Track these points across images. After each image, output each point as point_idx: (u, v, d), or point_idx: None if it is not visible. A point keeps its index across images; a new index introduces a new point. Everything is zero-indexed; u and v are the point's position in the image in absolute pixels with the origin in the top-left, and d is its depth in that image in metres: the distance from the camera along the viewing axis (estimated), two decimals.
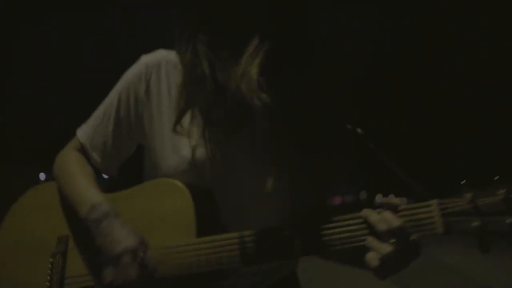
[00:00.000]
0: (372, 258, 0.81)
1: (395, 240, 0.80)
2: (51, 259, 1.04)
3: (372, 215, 0.83)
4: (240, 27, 0.87)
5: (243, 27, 0.87)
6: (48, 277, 1.03)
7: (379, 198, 0.85)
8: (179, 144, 0.98)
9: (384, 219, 0.81)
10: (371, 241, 0.82)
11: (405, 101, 27.04)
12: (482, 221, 0.79)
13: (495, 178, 0.79)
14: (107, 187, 1.07)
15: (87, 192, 1.00)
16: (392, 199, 0.85)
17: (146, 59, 1.06)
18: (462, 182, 0.82)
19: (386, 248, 0.80)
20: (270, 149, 0.94)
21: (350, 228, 0.84)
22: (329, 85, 0.97)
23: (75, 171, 1.06)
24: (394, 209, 0.83)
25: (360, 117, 1.05)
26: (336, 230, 0.84)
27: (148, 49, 1.08)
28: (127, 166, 1.16)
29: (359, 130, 1.00)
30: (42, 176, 7.96)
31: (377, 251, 0.80)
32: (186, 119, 0.97)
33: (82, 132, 1.11)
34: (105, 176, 1.13)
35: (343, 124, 1.00)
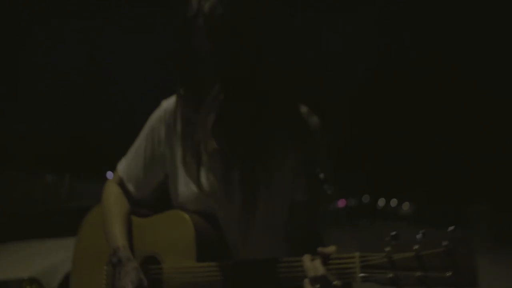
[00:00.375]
0: None
1: (318, 285, 0.93)
2: (105, 267, 1.22)
3: (306, 262, 0.96)
4: (202, 86, 1.01)
5: (205, 86, 1.01)
6: (104, 281, 1.20)
7: (319, 249, 0.95)
8: (188, 179, 1.16)
9: (313, 267, 0.94)
10: (306, 282, 0.95)
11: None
12: (395, 274, 0.85)
13: (418, 234, 0.85)
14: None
15: (113, 234, 1.20)
16: (326, 249, 0.95)
17: (165, 105, 1.22)
18: (387, 238, 0.88)
19: None
20: (260, 190, 1.12)
21: (294, 269, 0.98)
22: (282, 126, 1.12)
23: (110, 208, 1.26)
24: (324, 258, 0.94)
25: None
26: (284, 270, 0.99)
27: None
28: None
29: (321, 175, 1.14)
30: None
31: None
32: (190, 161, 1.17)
33: (121, 167, 1.31)
34: None
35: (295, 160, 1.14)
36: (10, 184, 8.07)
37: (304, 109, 1.16)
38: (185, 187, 1.17)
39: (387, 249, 0.87)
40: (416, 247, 0.84)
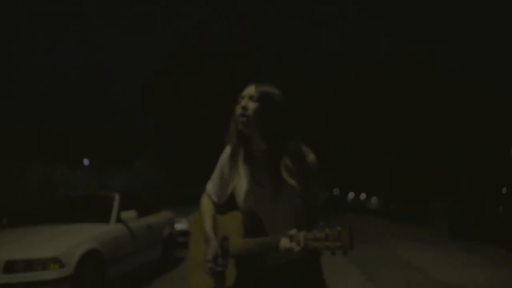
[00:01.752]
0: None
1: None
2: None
3: (282, 240, 1.69)
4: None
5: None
6: (203, 250, 2.00)
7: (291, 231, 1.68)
8: (243, 189, 1.94)
9: (284, 243, 1.67)
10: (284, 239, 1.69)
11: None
12: (317, 244, 1.58)
13: (321, 223, 1.60)
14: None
15: (206, 226, 2.00)
16: (291, 232, 1.68)
17: (227, 149, 2.00)
18: (321, 223, 1.61)
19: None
20: (274, 193, 1.85)
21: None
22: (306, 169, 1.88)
23: (204, 212, 2.08)
24: (290, 237, 1.66)
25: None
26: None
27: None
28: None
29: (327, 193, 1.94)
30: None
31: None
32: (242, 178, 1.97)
33: (208, 186, 2.13)
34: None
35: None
36: (12, 174, 8.49)
37: (306, 149, 1.91)
38: (241, 192, 1.96)
39: (314, 231, 1.60)
40: (326, 230, 1.57)
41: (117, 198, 6.06)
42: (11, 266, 4.17)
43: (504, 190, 11.06)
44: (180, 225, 9.78)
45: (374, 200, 28.89)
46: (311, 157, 1.86)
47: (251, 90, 1.87)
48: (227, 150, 2.00)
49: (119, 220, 5.74)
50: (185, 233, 10.19)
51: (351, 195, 37.64)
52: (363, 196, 32.86)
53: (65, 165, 10.29)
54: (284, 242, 1.66)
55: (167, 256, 7.35)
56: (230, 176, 2.00)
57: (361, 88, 28.44)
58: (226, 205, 2.10)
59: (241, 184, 1.95)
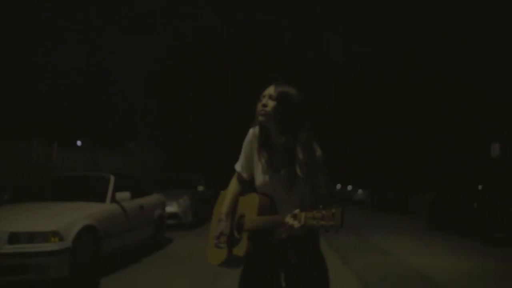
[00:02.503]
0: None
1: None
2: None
3: (287, 218, 1.98)
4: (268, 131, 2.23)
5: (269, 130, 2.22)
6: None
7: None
8: (260, 174, 2.27)
9: (288, 220, 1.97)
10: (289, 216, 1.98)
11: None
12: (315, 222, 1.87)
13: (320, 207, 1.88)
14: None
15: (224, 206, 2.34)
16: (295, 211, 1.97)
17: (251, 131, 2.32)
18: (320, 206, 1.91)
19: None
20: (289, 180, 2.18)
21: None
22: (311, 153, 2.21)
23: (228, 192, 2.40)
24: (294, 216, 1.95)
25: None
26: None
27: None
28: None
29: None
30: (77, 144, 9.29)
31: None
32: (259, 164, 2.30)
33: (237, 166, 2.42)
34: None
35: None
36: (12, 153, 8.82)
37: (315, 144, 2.24)
38: (259, 178, 2.31)
39: (313, 211, 1.93)
40: (323, 211, 1.88)
41: (112, 179, 6.47)
42: (15, 238, 4.57)
43: (479, 187, 11.57)
44: (171, 208, 10.22)
45: (360, 191, 29.52)
46: (319, 152, 2.19)
47: (271, 90, 2.20)
48: (250, 134, 2.33)
49: (114, 200, 6.15)
50: (174, 216, 10.64)
51: (338, 186, 38.25)
52: (349, 187, 33.45)
53: (59, 146, 10.60)
54: (288, 220, 1.92)
55: (157, 236, 7.79)
56: (252, 157, 2.33)
57: (351, 85, 28.99)
58: (247, 187, 2.44)
59: (259, 169, 2.28)
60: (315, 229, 1.88)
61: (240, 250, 2.18)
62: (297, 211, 1.94)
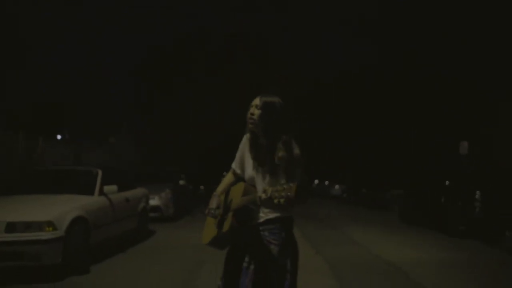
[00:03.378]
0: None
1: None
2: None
3: (259, 193, 2.50)
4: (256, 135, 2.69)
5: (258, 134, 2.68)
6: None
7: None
8: (250, 169, 2.69)
9: (259, 195, 2.44)
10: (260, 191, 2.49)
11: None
12: (278, 193, 2.30)
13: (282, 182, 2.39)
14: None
15: (219, 187, 2.81)
16: (265, 187, 2.46)
17: (245, 137, 2.76)
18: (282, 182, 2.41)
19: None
20: (270, 172, 2.60)
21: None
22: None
23: (223, 181, 2.85)
24: (264, 191, 2.45)
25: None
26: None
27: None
28: None
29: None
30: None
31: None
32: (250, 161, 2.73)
33: (233, 164, 2.84)
34: None
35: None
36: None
37: (294, 143, 2.64)
38: (247, 171, 2.73)
39: (277, 187, 2.34)
40: (284, 186, 2.29)
41: (100, 173, 6.81)
42: (11, 227, 4.90)
43: (447, 182, 12.26)
44: (153, 202, 10.57)
45: (336, 187, 30.29)
46: (297, 150, 2.62)
47: (257, 100, 2.64)
48: (244, 139, 2.79)
49: (102, 193, 6.50)
50: (156, 209, 11.00)
51: (316, 181, 39.13)
52: (326, 183, 34.23)
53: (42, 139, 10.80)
54: (260, 194, 2.41)
55: (141, 228, 8.16)
56: (245, 156, 2.76)
57: (337, 85, 29.70)
58: (240, 180, 2.87)
59: (249, 165, 2.72)
60: (277, 198, 2.30)
61: (225, 226, 2.59)
62: (266, 187, 2.40)
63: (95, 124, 23.88)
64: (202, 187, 21.70)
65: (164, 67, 25.53)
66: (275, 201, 2.30)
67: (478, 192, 10.35)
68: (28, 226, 4.97)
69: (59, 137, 25.11)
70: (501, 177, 11.13)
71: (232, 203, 2.63)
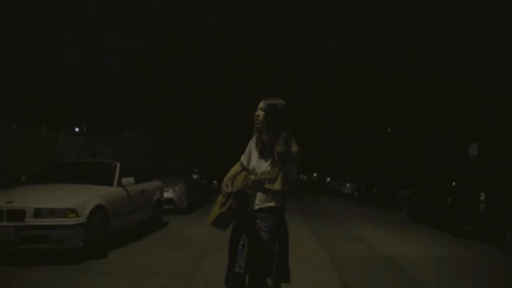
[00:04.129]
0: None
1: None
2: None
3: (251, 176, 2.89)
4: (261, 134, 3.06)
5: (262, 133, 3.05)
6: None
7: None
8: (254, 161, 3.03)
9: (250, 177, 2.81)
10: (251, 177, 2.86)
11: None
12: (264, 176, 2.71)
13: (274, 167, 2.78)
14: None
15: (228, 174, 3.14)
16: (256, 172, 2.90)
17: (254, 137, 3.10)
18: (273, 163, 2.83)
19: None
20: (270, 165, 2.96)
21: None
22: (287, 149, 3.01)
23: (231, 170, 3.17)
24: (254, 174, 2.83)
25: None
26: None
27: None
28: None
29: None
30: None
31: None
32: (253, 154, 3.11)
33: (242, 157, 3.15)
34: None
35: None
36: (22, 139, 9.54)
37: (293, 140, 3.02)
38: (252, 163, 3.06)
39: (265, 171, 2.77)
40: (270, 170, 2.72)
41: (118, 166, 7.25)
42: (39, 213, 5.35)
43: (453, 183, 12.49)
44: (167, 194, 11.00)
45: (348, 185, 30.52)
46: (295, 147, 2.99)
47: (261, 103, 3.00)
48: (254, 138, 3.13)
49: (120, 184, 6.94)
50: (170, 201, 11.45)
51: (328, 179, 39.42)
52: (339, 181, 34.48)
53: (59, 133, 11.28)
54: (251, 176, 2.81)
55: (155, 218, 8.60)
56: (252, 151, 3.10)
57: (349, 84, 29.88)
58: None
59: (254, 157, 3.08)
60: (265, 180, 2.72)
61: (226, 207, 2.98)
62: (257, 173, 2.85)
63: (109, 119, 24.49)
64: (215, 181, 22.13)
65: (162, 58, 25.90)
66: (266, 183, 2.72)
67: (482, 194, 10.57)
68: (53, 212, 5.42)
69: (77, 129, 25.84)
70: (501, 178, 11.32)
71: (234, 187, 3.00)
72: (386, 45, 26.78)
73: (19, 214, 5.32)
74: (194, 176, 13.67)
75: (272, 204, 2.96)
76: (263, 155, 3.03)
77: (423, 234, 10.90)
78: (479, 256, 8.31)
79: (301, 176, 57.42)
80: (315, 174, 62.60)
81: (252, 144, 3.15)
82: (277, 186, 2.80)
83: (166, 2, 48.21)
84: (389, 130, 29.81)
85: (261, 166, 3.01)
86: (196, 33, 26.51)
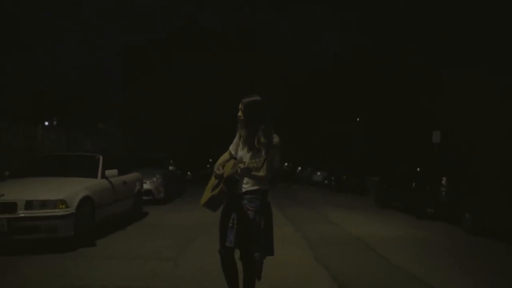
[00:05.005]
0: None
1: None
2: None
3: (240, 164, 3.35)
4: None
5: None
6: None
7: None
8: (240, 151, 3.49)
9: (239, 165, 3.27)
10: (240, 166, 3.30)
11: None
12: (252, 164, 3.17)
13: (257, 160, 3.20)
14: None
15: (218, 161, 3.54)
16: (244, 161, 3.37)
17: (238, 133, 3.59)
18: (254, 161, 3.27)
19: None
20: (252, 154, 3.42)
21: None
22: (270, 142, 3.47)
23: (222, 157, 3.58)
24: (244, 163, 3.29)
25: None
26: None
27: None
28: None
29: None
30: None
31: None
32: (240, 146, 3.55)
33: (230, 147, 3.57)
34: None
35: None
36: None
37: (273, 132, 3.46)
38: (239, 153, 3.49)
39: (253, 161, 3.24)
40: (257, 160, 3.20)
41: (101, 159, 7.55)
42: (30, 205, 5.65)
43: (418, 169, 13.28)
44: (145, 186, 11.28)
45: (318, 173, 31.33)
46: (276, 138, 3.45)
47: (241, 104, 3.42)
48: (238, 132, 3.56)
49: (103, 176, 7.25)
50: (148, 192, 11.76)
51: (298, 168, 40.25)
52: (309, 170, 35.29)
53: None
54: (240, 165, 3.23)
55: (136, 208, 8.93)
56: (239, 143, 3.52)
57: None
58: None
59: (240, 148, 3.51)
60: (253, 168, 3.18)
61: (217, 190, 3.40)
62: (246, 161, 3.29)
63: (84, 111, 24.36)
64: (189, 173, 22.47)
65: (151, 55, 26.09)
66: (252, 170, 3.19)
67: (444, 178, 11.34)
68: (44, 204, 5.72)
69: (46, 123, 25.57)
70: (462, 162, 12.17)
71: (224, 173, 3.43)
72: (386, 45, 27.11)
73: (11, 206, 5.60)
74: (170, 168, 13.99)
75: (257, 187, 3.41)
76: (246, 146, 3.47)
77: (389, 217, 11.61)
78: (440, 234, 9.02)
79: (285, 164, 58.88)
80: (286, 164, 63.51)
81: (237, 138, 3.58)
82: (262, 173, 3.24)
83: (166, 2, 47.81)
84: (358, 119, 30.77)
85: (245, 156, 3.44)
86: (196, 33, 26.72)
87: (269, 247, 3.47)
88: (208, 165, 43.60)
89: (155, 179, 12.15)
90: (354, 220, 10.57)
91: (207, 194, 3.55)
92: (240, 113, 3.46)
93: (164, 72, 24.97)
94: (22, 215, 5.59)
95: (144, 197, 10.95)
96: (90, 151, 10.35)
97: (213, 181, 3.57)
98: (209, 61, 25.59)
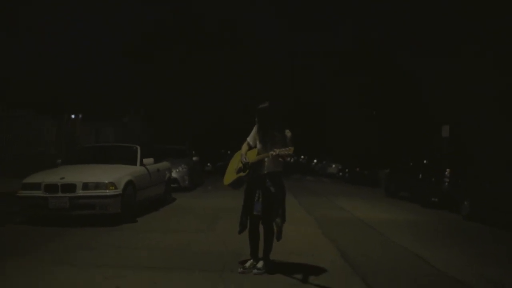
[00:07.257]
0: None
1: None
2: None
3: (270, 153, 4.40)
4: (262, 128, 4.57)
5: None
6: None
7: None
8: (259, 144, 4.60)
9: (271, 152, 4.31)
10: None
11: None
12: (282, 152, 4.25)
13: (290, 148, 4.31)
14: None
15: (243, 151, 4.60)
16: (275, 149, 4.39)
17: (255, 127, 4.66)
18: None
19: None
20: (267, 147, 4.49)
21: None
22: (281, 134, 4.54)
23: (243, 149, 4.64)
24: (274, 151, 4.32)
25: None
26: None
27: None
28: None
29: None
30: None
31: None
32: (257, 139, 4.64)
33: (248, 138, 4.71)
34: None
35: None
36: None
37: (285, 128, 4.55)
38: (258, 145, 4.57)
39: (282, 149, 4.30)
40: (287, 148, 4.28)
41: (139, 149, 8.69)
42: (86, 186, 6.81)
43: (425, 161, 14.17)
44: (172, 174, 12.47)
45: (333, 166, 32.26)
46: (289, 133, 4.51)
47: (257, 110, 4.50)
48: (255, 128, 4.59)
49: (142, 164, 8.39)
50: (174, 181, 12.92)
51: (314, 161, 41.20)
52: (324, 163, 36.25)
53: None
54: (272, 152, 4.25)
55: (167, 194, 10.08)
56: (256, 137, 4.56)
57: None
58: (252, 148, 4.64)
59: (257, 140, 4.53)
60: (282, 155, 4.21)
61: (245, 173, 4.46)
62: (276, 149, 4.29)
63: (109, 105, 25.62)
64: (209, 164, 23.62)
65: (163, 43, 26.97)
66: (280, 157, 4.23)
67: (447, 169, 12.24)
68: (97, 185, 6.88)
69: (73, 116, 26.95)
70: (466, 156, 13.04)
71: (250, 161, 4.46)
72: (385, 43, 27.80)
73: (71, 187, 6.77)
74: (194, 158, 15.15)
75: (274, 170, 4.49)
76: (263, 139, 4.52)
77: (396, 205, 12.58)
78: (439, 220, 9.97)
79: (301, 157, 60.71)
80: (302, 157, 64.70)
81: (254, 132, 4.63)
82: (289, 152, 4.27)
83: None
84: (374, 112, 31.50)
85: (264, 148, 4.47)
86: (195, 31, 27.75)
87: (285, 215, 4.56)
88: (226, 156, 44.94)
89: (180, 168, 13.30)
90: (362, 207, 11.57)
91: (231, 176, 4.62)
92: (256, 118, 4.51)
93: (171, 66, 25.87)
94: (81, 194, 6.76)
95: (171, 185, 12.14)
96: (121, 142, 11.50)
97: (234, 166, 4.62)
98: (216, 56, 26.53)
